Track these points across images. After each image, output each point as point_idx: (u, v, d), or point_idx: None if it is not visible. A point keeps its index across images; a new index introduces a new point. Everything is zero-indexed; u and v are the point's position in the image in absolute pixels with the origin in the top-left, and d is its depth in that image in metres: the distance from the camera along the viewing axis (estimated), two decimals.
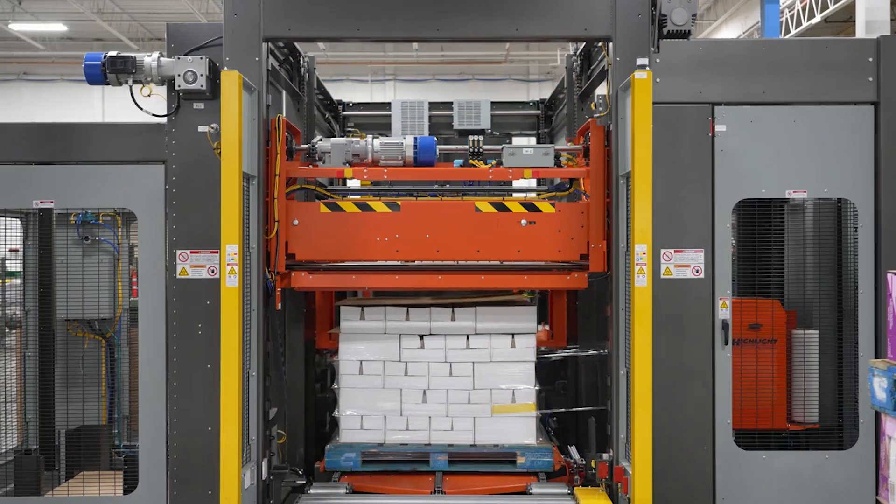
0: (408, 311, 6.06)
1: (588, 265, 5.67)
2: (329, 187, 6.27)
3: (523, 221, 5.69)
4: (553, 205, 5.77)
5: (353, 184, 6.97)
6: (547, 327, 6.79)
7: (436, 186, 6.24)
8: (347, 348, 6.05)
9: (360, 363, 6.02)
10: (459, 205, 5.80)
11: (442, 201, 5.97)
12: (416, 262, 5.80)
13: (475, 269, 5.80)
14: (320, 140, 5.95)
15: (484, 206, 5.74)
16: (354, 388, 6.01)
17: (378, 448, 5.95)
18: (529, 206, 5.75)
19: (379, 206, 5.75)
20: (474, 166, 6.28)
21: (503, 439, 5.95)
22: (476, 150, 6.36)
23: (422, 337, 6.02)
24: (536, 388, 6.02)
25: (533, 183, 7.06)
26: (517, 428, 5.96)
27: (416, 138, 5.89)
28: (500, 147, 5.93)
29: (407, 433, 5.98)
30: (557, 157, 5.91)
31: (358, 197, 6.19)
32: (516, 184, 6.60)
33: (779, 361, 5.90)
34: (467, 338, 6.00)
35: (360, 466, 5.90)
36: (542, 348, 6.42)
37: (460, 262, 5.80)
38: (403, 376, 6.00)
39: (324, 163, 5.91)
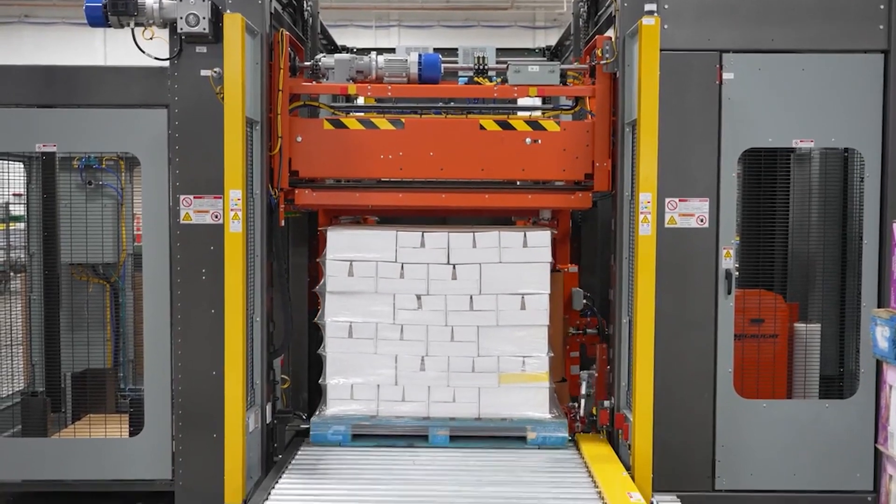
0: (402, 267, 5.58)
1: (592, 185, 5.65)
2: (332, 104, 6.19)
3: (528, 140, 5.63)
4: (558, 123, 5.72)
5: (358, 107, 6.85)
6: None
7: (440, 104, 6.12)
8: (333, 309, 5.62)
9: (350, 325, 5.63)
10: (464, 123, 5.72)
11: (446, 119, 5.87)
12: (420, 180, 5.76)
13: (479, 187, 5.75)
14: (324, 56, 5.86)
15: (488, 124, 5.68)
16: (346, 353, 5.60)
17: (370, 421, 5.57)
18: (534, 125, 5.68)
19: (383, 123, 5.69)
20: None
21: (512, 412, 5.58)
22: (481, 67, 6.26)
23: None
24: (550, 355, 5.65)
25: (538, 102, 6.97)
26: (526, 399, 5.57)
27: (420, 55, 5.76)
28: (505, 65, 5.84)
29: (404, 405, 5.57)
30: (563, 75, 5.80)
31: (361, 114, 6.11)
32: (521, 103, 6.43)
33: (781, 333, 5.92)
34: (471, 298, 5.58)
35: (349, 441, 5.52)
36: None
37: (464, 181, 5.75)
38: (399, 341, 5.58)
39: (327, 80, 5.82)
